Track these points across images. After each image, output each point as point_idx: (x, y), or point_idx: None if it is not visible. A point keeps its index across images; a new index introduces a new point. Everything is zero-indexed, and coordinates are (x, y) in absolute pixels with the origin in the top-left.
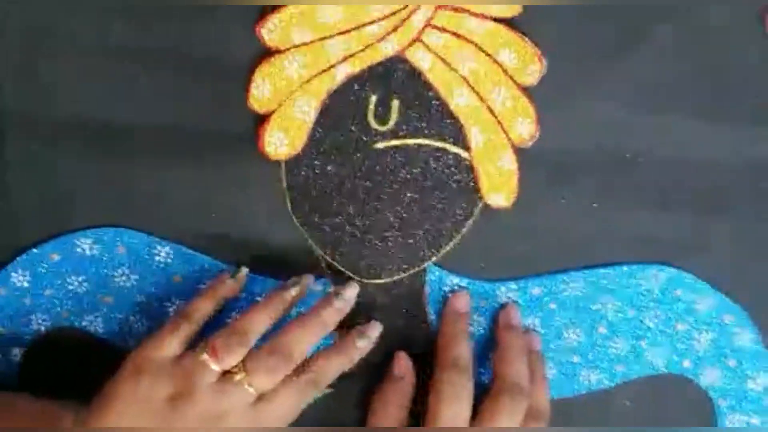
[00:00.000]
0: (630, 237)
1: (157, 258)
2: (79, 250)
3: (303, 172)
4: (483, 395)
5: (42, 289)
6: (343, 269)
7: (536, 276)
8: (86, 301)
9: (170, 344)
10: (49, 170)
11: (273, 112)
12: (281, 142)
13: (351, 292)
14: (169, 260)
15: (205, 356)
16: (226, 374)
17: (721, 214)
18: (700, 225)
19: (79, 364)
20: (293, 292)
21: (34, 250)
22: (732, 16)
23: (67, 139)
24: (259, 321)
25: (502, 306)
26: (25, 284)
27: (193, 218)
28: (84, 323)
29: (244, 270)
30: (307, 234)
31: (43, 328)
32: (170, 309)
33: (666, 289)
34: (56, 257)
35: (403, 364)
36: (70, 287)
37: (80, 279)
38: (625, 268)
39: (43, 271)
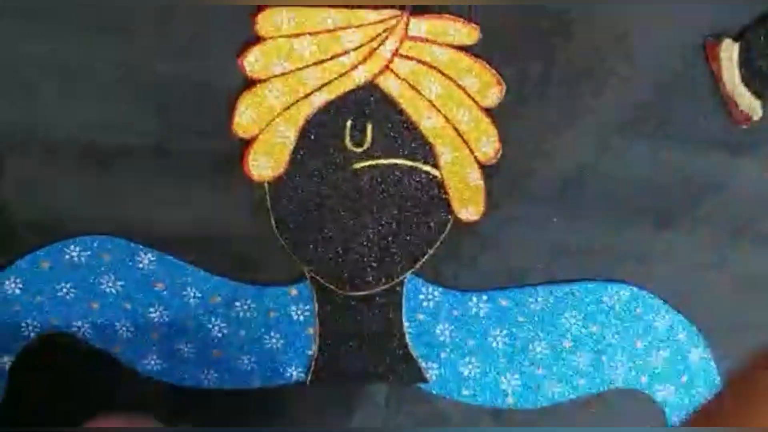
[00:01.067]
0: (587, 251)
1: (140, 265)
2: (67, 257)
3: (286, 194)
4: None
5: (32, 296)
6: (324, 282)
7: (505, 288)
8: (74, 307)
9: None
10: (44, 188)
11: (256, 137)
12: (265, 165)
13: None
14: (152, 267)
15: None
16: None
17: (667, 230)
18: (649, 240)
19: (67, 369)
20: None
21: (26, 258)
22: (674, 43)
23: (63, 158)
24: None
25: None
26: (17, 291)
27: (179, 232)
28: (73, 329)
29: None
30: (291, 250)
31: (32, 334)
32: (153, 315)
33: (627, 306)
34: (46, 265)
35: None
36: (60, 294)
37: (69, 286)
38: (590, 285)
39: (34, 278)
